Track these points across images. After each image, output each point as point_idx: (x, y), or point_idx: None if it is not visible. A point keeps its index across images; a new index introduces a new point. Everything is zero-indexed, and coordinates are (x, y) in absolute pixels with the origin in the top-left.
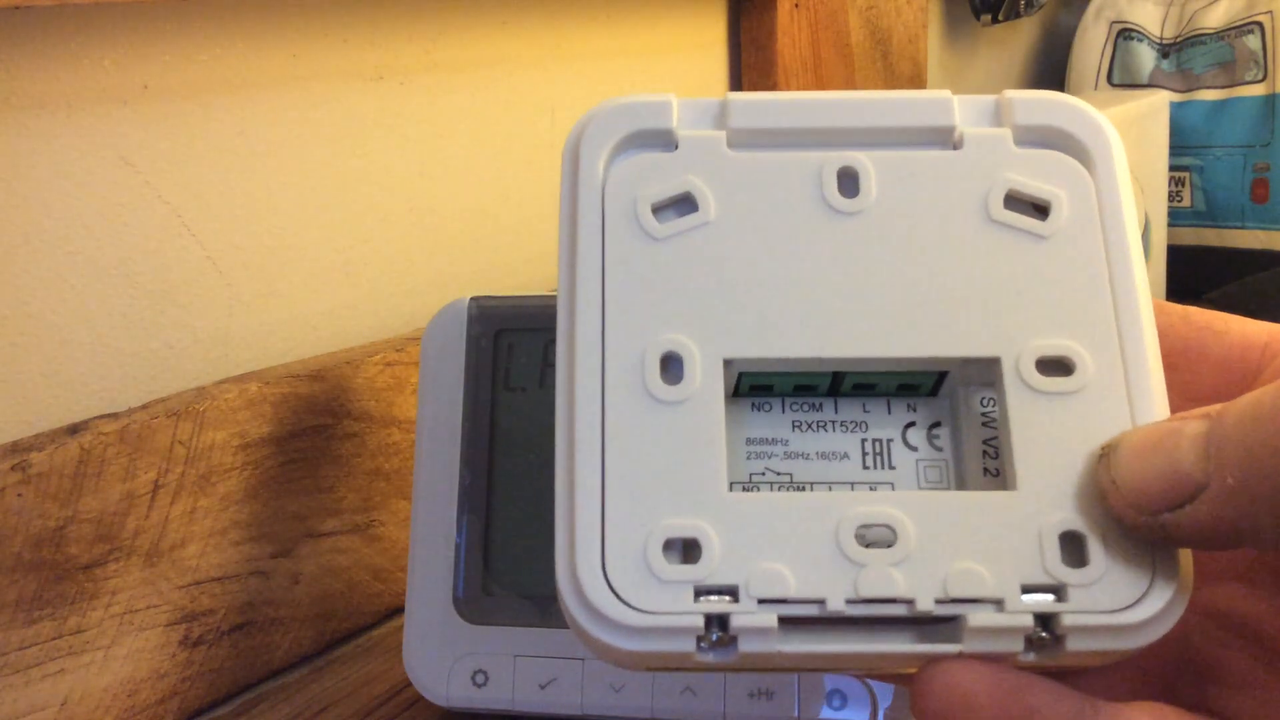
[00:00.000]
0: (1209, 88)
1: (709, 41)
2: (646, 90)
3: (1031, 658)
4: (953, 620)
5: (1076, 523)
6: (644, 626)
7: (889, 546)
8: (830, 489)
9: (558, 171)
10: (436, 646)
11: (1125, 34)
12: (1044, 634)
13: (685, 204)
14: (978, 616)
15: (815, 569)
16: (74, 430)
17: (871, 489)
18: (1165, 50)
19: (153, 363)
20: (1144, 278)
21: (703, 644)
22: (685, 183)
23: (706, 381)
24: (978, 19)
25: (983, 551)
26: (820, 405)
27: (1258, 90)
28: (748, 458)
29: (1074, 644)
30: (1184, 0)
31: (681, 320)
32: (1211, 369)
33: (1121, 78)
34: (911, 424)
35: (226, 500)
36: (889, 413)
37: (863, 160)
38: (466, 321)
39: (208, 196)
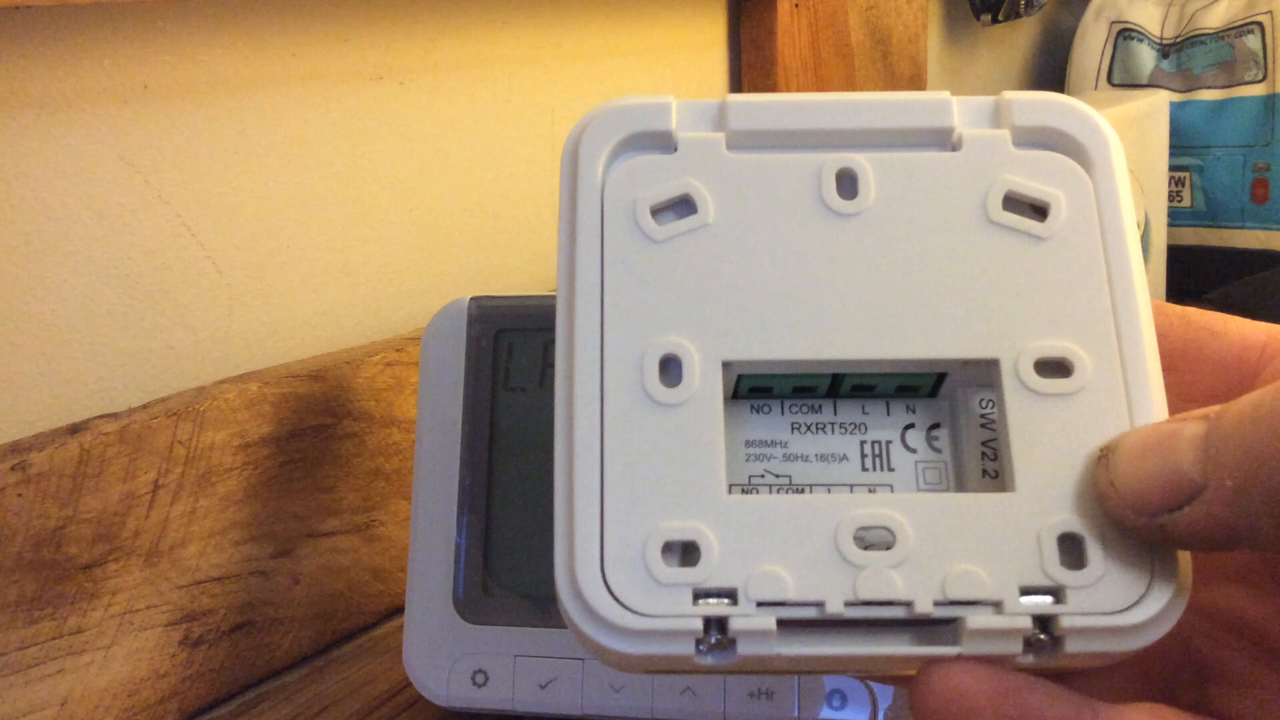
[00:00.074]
0: (1209, 88)
1: (709, 41)
2: (647, 90)
3: (1030, 659)
4: (951, 622)
5: (1075, 524)
6: (643, 630)
7: (888, 549)
8: (829, 491)
9: (557, 172)
10: (436, 646)
11: (1125, 34)
12: (1042, 636)
13: (684, 206)
14: (976, 618)
15: (814, 571)
16: (74, 430)
17: (870, 491)
18: (1165, 50)
19: (153, 363)
20: (1142, 279)
21: (701, 647)
22: (684, 185)
23: (705, 383)
24: (978, 19)
25: (981, 553)
26: (819, 407)
27: (1258, 90)
28: (747, 460)
29: (1073, 646)
30: (1184, 0)
31: (680, 322)
32: (1210, 369)
33: (1121, 78)
34: (910, 425)
35: (226, 500)
36: (888, 414)
37: (861, 162)
38: (466, 321)
39: (208, 196)
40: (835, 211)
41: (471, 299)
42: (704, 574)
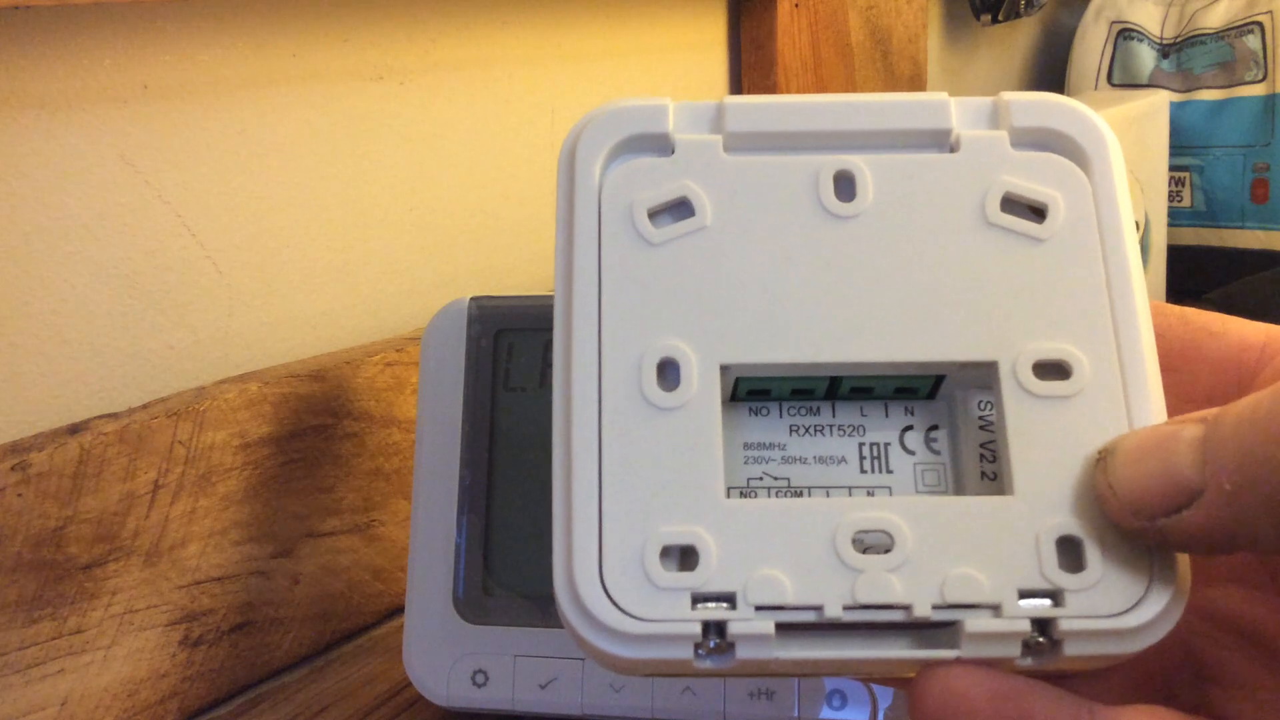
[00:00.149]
0: (1209, 88)
1: (709, 41)
2: (647, 90)
3: (1029, 662)
4: (950, 625)
5: (1073, 527)
6: (641, 634)
7: (886, 552)
8: (828, 494)
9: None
10: (436, 646)
11: (1125, 34)
12: (1041, 639)
13: (682, 209)
14: (975, 622)
15: (812, 575)
16: (74, 430)
17: (869, 493)
18: (1165, 50)
19: (153, 363)
20: (1141, 280)
21: (700, 651)
22: (681, 187)
23: (703, 387)
24: (978, 19)
25: (980, 556)
26: (817, 409)
27: (1258, 90)
28: (745, 462)
29: (1071, 649)
30: (1184, 0)
31: (678, 325)
32: (1209, 370)
33: (1121, 78)
34: (909, 427)
35: (226, 500)
36: (886, 416)
37: (859, 164)
38: (466, 321)
39: (208, 196)
40: (833, 214)
41: (471, 299)
42: (702, 578)
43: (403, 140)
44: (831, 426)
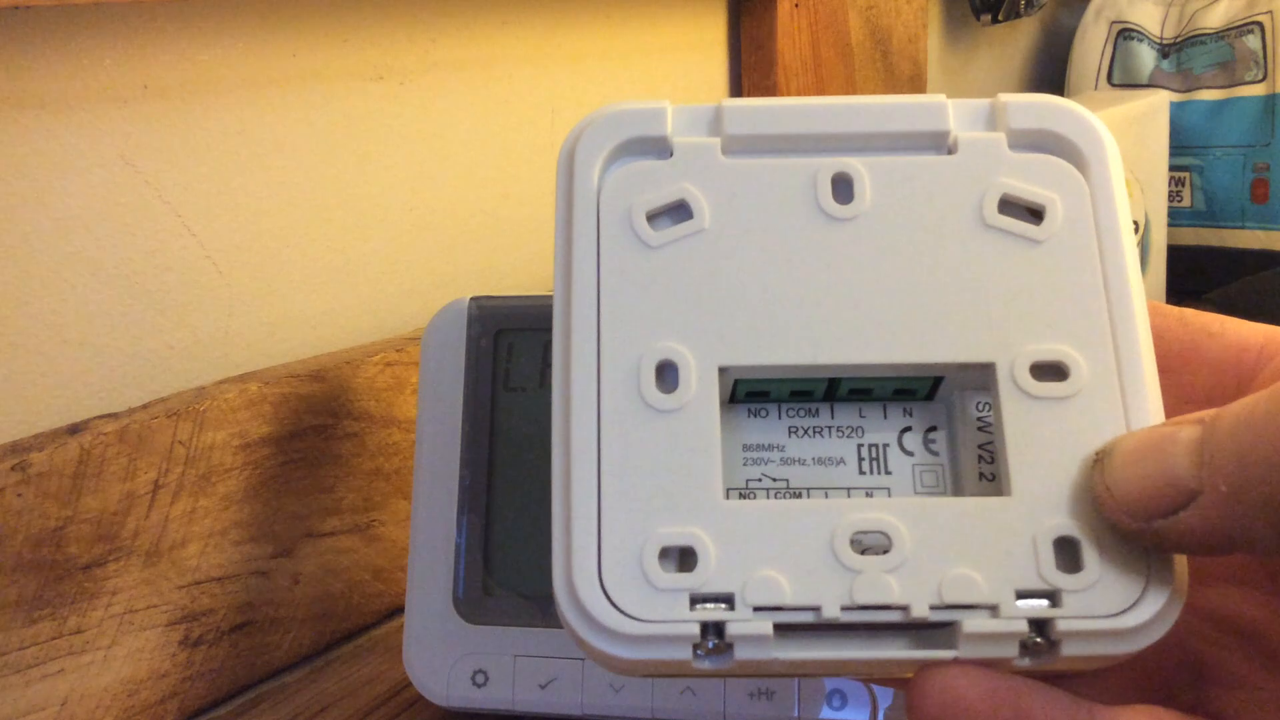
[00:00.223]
0: (1209, 88)
1: (709, 42)
2: (647, 91)
3: (1026, 663)
4: (948, 626)
5: (1071, 528)
6: (640, 635)
7: (884, 553)
8: (826, 495)
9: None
10: (436, 646)
11: (1125, 34)
12: (1039, 639)
13: (680, 211)
14: (972, 622)
15: (811, 576)
16: (74, 430)
17: (868, 494)
18: (1165, 50)
19: (153, 363)
20: (1139, 281)
21: (699, 652)
22: (680, 190)
23: (702, 389)
24: (978, 19)
25: (977, 557)
26: (816, 410)
27: (1258, 90)
28: (744, 464)
29: (1069, 649)
30: (1184, 0)
31: (677, 328)
32: (1207, 371)
33: (1121, 78)
34: (908, 429)
35: (226, 500)
36: (885, 417)
37: (857, 166)
38: (466, 321)
39: (208, 196)
40: (831, 216)
41: (471, 299)
42: (701, 579)
43: (403, 140)
44: (830, 428)
